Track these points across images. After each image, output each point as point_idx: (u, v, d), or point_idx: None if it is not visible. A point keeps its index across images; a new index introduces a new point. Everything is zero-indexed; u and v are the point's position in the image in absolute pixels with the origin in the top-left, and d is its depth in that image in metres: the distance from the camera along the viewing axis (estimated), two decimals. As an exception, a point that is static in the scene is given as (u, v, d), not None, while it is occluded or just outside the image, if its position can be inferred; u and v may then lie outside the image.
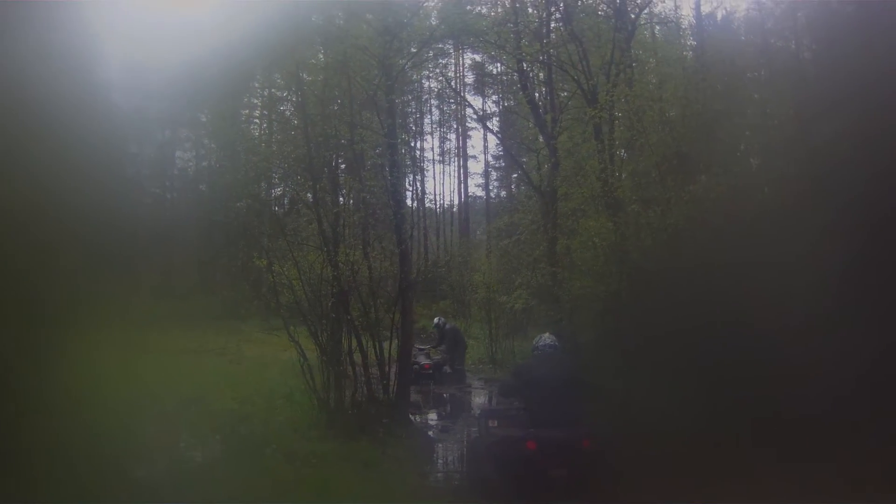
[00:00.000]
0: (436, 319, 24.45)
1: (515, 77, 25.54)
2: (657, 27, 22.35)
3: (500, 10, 20.94)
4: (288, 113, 21.38)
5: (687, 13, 29.96)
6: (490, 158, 51.56)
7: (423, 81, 42.80)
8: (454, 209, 52.28)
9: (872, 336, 9.38)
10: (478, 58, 43.78)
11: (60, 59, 10.05)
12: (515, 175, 42.11)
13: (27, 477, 8.11)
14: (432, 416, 18.37)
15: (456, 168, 52.74)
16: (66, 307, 9.72)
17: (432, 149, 51.99)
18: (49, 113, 9.45)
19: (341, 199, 17.25)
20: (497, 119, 46.50)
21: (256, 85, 23.41)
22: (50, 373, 9.03)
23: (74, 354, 9.84)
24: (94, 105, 11.79)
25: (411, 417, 16.34)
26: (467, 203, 51.81)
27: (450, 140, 52.89)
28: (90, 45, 11.66)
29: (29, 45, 9.29)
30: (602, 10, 19.26)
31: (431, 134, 51.74)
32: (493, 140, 49.84)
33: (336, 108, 16.97)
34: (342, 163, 18.88)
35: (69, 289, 9.78)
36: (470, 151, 53.22)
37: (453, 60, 44.06)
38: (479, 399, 20.41)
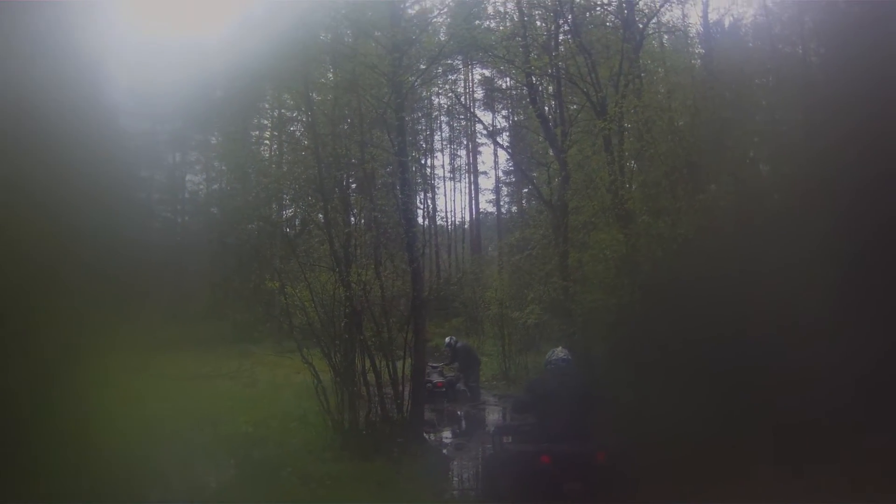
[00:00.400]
0: (447, 339, 24.38)
1: (525, 91, 25.57)
2: (665, 37, 22.29)
3: (508, 24, 20.92)
4: (298, 133, 21.43)
5: (695, 21, 30.00)
6: (500, 174, 51.67)
7: (433, 98, 42.90)
8: (465, 226, 52.32)
9: (882, 337, 9.32)
10: (487, 73, 44.09)
11: (69, 85, 10.07)
12: (526, 190, 42.19)
13: (41, 501, 8.09)
14: (447, 434, 18.27)
15: (467, 184, 52.86)
16: (77, 333, 9.70)
17: (443, 166, 52.12)
18: (58, 140, 9.45)
19: (353, 218, 17.25)
20: (507, 134, 46.70)
21: (266, 106, 23.53)
22: (61, 398, 9.01)
23: (86, 380, 9.81)
24: (104, 131, 11.80)
25: (426, 436, 16.22)
26: (478, 219, 51.87)
27: (460, 156, 53.02)
28: (99, 71, 11.69)
29: (37, 72, 9.29)
30: (610, 21, 19.22)
31: (442, 151, 51.88)
32: (503, 155, 50.04)
33: (346, 127, 16.98)
34: (353, 182, 18.90)
35: (80, 315, 9.76)
36: (480, 167, 53.41)
37: (462, 76, 44.22)
38: (492, 416, 20.30)
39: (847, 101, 10.57)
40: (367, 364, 15.02)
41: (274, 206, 19.77)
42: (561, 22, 19.74)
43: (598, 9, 19.67)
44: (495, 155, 52.62)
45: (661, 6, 18.57)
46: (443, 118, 49.44)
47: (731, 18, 21.38)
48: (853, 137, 10.29)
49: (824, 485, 8.73)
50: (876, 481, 8.61)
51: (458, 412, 20.71)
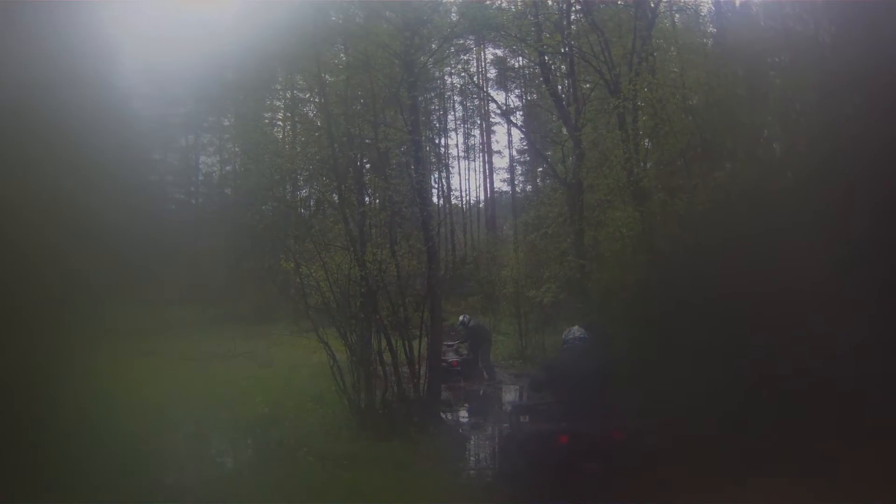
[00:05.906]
0: (462, 317, 24.25)
1: (537, 70, 25.48)
2: (676, 15, 22.17)
3: (520, 3, 20.86)
4: (311, 114, 21.40)
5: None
6: (515, 153, 51.31)
7: (446, 78, 42.76)
8: (480, 205, 52.12)
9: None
10: (499, 52, 43.72)
11: (82, 69, 10.06)
12: (541, 168, 41.94)
13: (55, 485, 8.11)
14: (463, 414, 18.26)
15: (481, 164, 52.58)
16: (93, 316, 9.72)
17: (457, 145, 51.87)
18: (71, 123, 9.45)
19: (367, 198, 17.23)
20: (521, 113, 46.42)
21: (278, 87, 23.49)
22: (78, 380, 9.04)
23: (103, 362, 9.85)
24: (117, 113, 11.81)
25: (442, 415, 16.26)
26: (493, 198, 51.57)
27: (474, 136, 52.72)
28: (111, 54, 11.68)
29: (49, 54, 9.28)
30: (622, 0, 19.15)
31: (455, 130, 51.59)
32: (517, 134, 49.67)
33: (359, 107, 16.94)
34: (367, 162, 18.85)
35: (97, 297, 9.77)
36: (494, 146, 52.89)
37: (475, 56, 44.03)
38: (509, 395, 20.28)
39: (860, 80, 10.47)
40: (384, 343, 15.04)
41: (288, 186, 19.74)
42: (573, 0, 19.67)
43: (610, -13, 19.60)
44: (509, 134, 52.23)
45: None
46: (456, 98, 49.25)
47: (742, -3, 21.20)
48: (866, 116, 10.20)
49: (843, 473, 8.59)
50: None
51: (475, 391, 20.70)
